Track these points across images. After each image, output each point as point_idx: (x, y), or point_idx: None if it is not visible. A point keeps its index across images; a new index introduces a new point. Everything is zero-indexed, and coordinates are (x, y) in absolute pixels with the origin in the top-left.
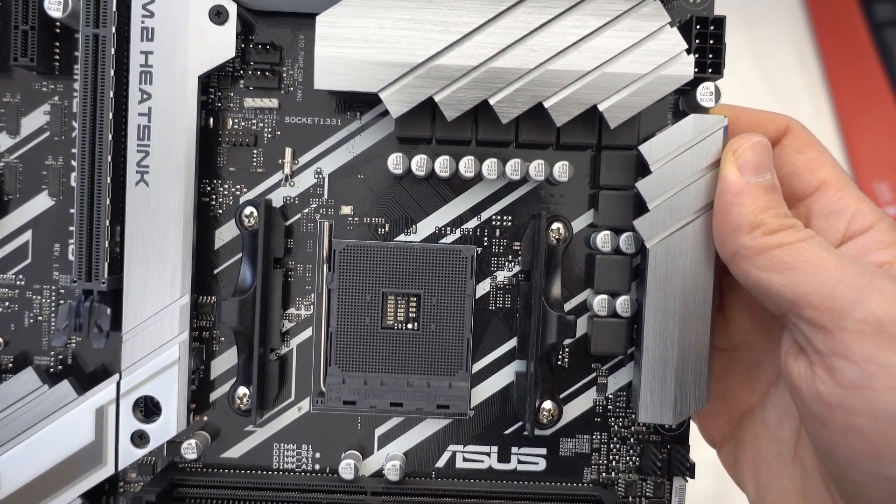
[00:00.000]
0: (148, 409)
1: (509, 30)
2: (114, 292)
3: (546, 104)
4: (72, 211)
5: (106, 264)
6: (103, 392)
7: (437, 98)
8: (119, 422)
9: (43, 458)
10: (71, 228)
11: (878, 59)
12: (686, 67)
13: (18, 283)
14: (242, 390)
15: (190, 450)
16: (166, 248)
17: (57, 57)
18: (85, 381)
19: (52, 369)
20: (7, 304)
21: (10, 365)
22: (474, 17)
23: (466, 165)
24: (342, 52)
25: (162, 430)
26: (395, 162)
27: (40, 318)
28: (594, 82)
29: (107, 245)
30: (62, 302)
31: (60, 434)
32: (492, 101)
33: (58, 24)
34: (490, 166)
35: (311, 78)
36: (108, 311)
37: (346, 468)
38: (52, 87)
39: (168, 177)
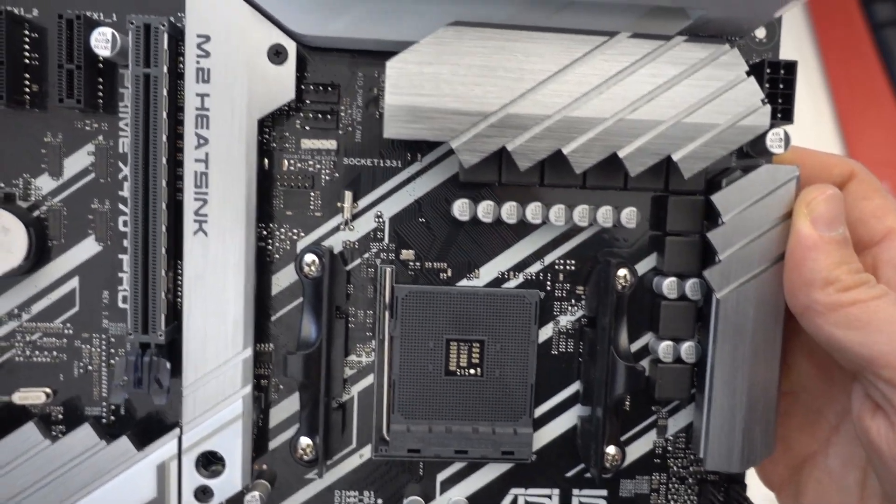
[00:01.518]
0: (206, 459)
1: (585, 78)
2: (169, 342)
3: (620, 154)
4: (121, 256)
5: (163, 316)
6: (164, 448)
7: (509, 147)
8: (182, 477)
9: None
10: (120, 275)
11: (878, 59)
12: (762, 117)
13: (66, 331)
14: (306, 441)
15: (254, 502)
16: (226, 299)
17: (101, 94)
18: (138, 428)
19: (104, 420)
20: (55, 353)
21: (61, 416)
22: (549, 65)
23: (534, 212)
24: (413, 101)
25: (226, 485)
26: (461, 208)
27: (90, 367)
28: (669, 132)
29: (163, 296)
30: (112, 351)
31: (122, 491)
32: (566, 151)
33: (101, 59)
34: (557, 213)
35: (370, 118)
36: (168, 365)
37: None
38: (97, 125)
39: (227, 226)
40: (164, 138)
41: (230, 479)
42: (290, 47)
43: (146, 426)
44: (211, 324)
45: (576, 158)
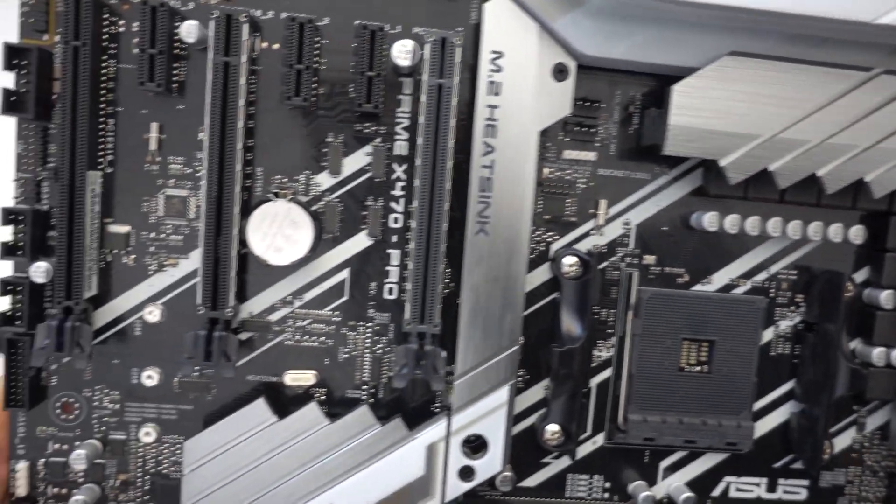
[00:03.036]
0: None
1: (845, 109)
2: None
3: (867, 178)
4: (388, 251)
5: (439, 308)
6: (433, 429)
7: (771, 168)
8: (448, 458)
9: (376, 490)
10: (387, 268)
11: None
12: None
13: (335, 318)
14: (553, 427)
15: (505, 483)
16: (500, 297)
17: (382, 100)
18: (391, 410)
19: (364, 403)
20: (323, 338)
21: (324, 398)
22: (815, 96)
23: (774, 226)
24: (693, 122)
25: (488, 466)
26: (710, 220)
27: (354, 353)
28: None
29: (440, 290)
30: (376, 339)
31: (393, 468)
32: (820, 174)
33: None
34: (794, 228)
35: (623, 133)
36: (443, 354)
37: (646, 500)
38: (374, 128)
39: (506, 228)
40: (452, 144)
41: (491, 461)
42: (572, 66)
43: (396, 408)
44: (486, 318)
45: (829, 181)
